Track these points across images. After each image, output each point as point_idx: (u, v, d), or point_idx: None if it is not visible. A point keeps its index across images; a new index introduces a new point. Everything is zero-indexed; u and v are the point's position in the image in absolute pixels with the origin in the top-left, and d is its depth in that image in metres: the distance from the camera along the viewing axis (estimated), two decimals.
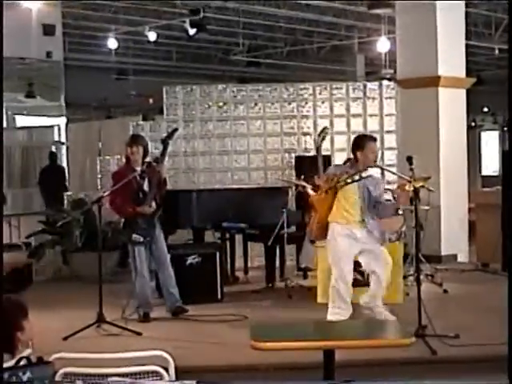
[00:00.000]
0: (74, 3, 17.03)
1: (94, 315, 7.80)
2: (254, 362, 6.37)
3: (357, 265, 8.90)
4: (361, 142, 7.82)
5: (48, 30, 13.61)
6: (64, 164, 14.48)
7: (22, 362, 3.78)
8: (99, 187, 12.04)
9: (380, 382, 6.36)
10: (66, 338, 7.38)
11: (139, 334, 7.60)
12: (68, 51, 19.73)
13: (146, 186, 8.44)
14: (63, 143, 14.02)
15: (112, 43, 20.44)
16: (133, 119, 13.18)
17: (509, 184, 10.52)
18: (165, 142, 8.56)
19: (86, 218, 11.15)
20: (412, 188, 7.62)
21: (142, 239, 8.30)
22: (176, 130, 8.92)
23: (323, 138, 8.27)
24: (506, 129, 28.01)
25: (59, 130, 13.99)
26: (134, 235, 8.31)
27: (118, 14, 19.76)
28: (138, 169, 8.43)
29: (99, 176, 12.29)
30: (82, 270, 10.90)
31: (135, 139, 8.70)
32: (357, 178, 7.70)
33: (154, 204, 8.40)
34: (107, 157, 12.39)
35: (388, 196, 9.70)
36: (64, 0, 14.22)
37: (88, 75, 24.57)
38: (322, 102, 12.40)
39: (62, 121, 14.05)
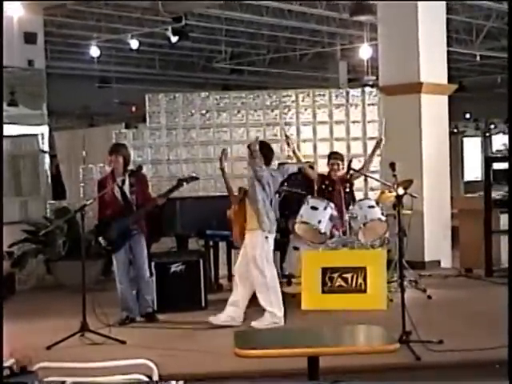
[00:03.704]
0: (56, 11, 16.98)
1: (78, 324, 7.77)
2: (238, 370, 6.37)
3: (341, 271, 8.93)
4: None
5: (29, 38, 13.54)
6: (48, 173, 14.40)
7: (5, 372, 3.76)
8: (82, 195, 12.00)
9: (367, 383, 6.38)
10: (49, 348, 7.35)
11: (123, 342, 7.58)
12: (50, 59, 19.67)
13: (128, 195, 8.54)
14: (46, 152, 13.95)
15: (94, 51, 20.37)
16: (115, 127, 13.15)
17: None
18: (178, 184, 8.73)
19: (70, 227, 11.11)
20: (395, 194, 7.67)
21: (105, 244, 8.54)
22: (197, 178, 9.06)
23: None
24: (487, 135, 28.13)
25: (43, 138, 13.93)
26: (99, 237, 8.56)
27: (100, 22, 19.72)
28: (119, 179, 8.55)
29: (82, 184, 12.25)
30: (65, 279, 10.86)
31: (115, 148, 8.82)
32: None
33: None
34: (90, 165, 12.35)
35: (371, 202, 9.74)
36: (45, 0, 14.11)
37: (70, 83, 24.51)
38: (305, 109, 12.41)
39: (45, 129, 13.97)
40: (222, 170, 8.87)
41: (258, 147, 8.32)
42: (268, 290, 8.36)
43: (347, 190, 10.10)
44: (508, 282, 8.14)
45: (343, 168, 10.24)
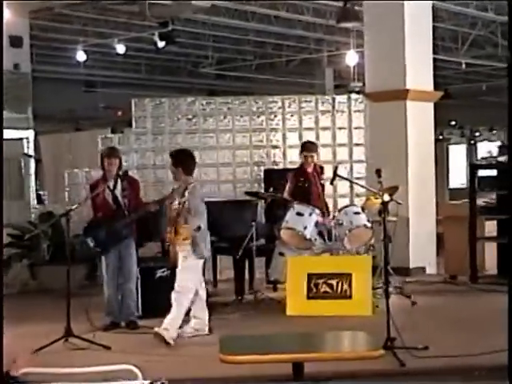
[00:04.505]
0: (42, 15, 16.94)
1: (62, 329, 7.74)
2: (223, 375, 6.35)
3: (326, 277, 8.95)
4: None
5: (15, 41, 13.52)
6: (32, 177, 14.37)
7: None
8: (67, 200, 11.97)
9: (354, 382, 6.38)
10: (33, 353, 7.31)
11: (108, 347, 7.55)
12: (36, 63, 19.59)
13: (120, 199, 8.57)
14: (31, 156, 13.92)
15: (81, 55, 20.34)
16: (101, 132, 13.14)
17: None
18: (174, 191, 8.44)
19: (54, 231, 11.07)
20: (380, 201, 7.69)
21: (92, 244, 8.49)
22: None
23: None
24: (472, 142, 28.27)
25: (28, 142, 13.89)
26: (88, 238, 8.51)
27: (86, 27, 19.68)
28: (111, 182, 8.53)
29: (67, 189, 12.21)
30: (49, 284, 10.82)
31: (112, 152, 8.81)
32: None
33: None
34: (76, 170, 12.32)
35: (357, 208, 9.76)
36: None
37: (56, 87, 24.44)
38: (291, 115, 12.45)
39: (30, 133, 13.94)
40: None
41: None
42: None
43: (322, 181, 10.18)
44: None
45: (317, 159, 10.30)
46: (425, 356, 6.89)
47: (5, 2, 12.67)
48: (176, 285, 7.96)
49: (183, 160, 8.20)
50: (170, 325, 7.78)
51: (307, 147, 10.31)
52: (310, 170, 10.19)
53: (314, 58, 24.49)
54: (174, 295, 7.93)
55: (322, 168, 10.45)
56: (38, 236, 11.09)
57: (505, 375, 5.45)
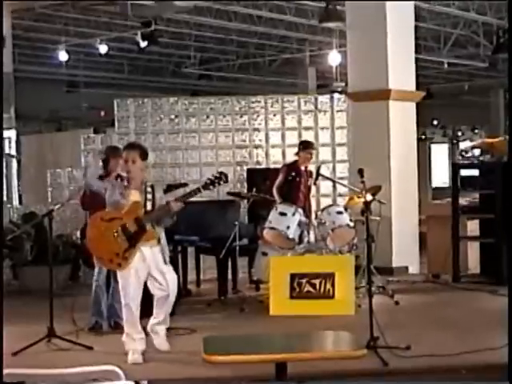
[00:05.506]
0: (23, 14, 16.88)
1: (45, 330, 7.71)
2: (206, 376, 6.35)
3: (309, 276, 8.92)
4: None
5: None
6: (15, 177, 14.32)
7: None
8: (50, 200, 11.92)
9: (337, 382, 6.39)
10: (15, 353, 7.28)
11: (90, 348, 7.53)
12: (18, 63, 19.54)
13: None
14: (13, 156, 13.87)
15: (63, 55, 20.27)
16: (84, 132, 13.10)
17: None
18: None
19: (37, 232, 11.03)
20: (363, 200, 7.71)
21: None
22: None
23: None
24: (455, 141, 28.35)
25: (10, 142, 13.84)
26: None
27: (68, 26, 19.63)
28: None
29: (50, 189, 12.16)
30: (32, 284, 10.77)
31: (119, 151, 8.63)
32: None
33: None
34: (58, 169, 12.28)
35: (340, 208, 9.77)
36: None
37: (38, 87, 24.37)
38: (274, 115, 12.46)
39: (12, 133, 13.88)
40: None
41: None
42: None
43: (309, 182, 10.31)
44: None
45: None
46: (408, 355, 6.91)
47: None
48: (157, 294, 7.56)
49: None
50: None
51: (309, 145, 10.52)
52: (302, 168, 10.32)
53: (296, 57, 24.54)
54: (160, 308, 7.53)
55: (311, 173, 10.52)
56: (20, 236, 11.03)
57: (490, 374, 5.47)
